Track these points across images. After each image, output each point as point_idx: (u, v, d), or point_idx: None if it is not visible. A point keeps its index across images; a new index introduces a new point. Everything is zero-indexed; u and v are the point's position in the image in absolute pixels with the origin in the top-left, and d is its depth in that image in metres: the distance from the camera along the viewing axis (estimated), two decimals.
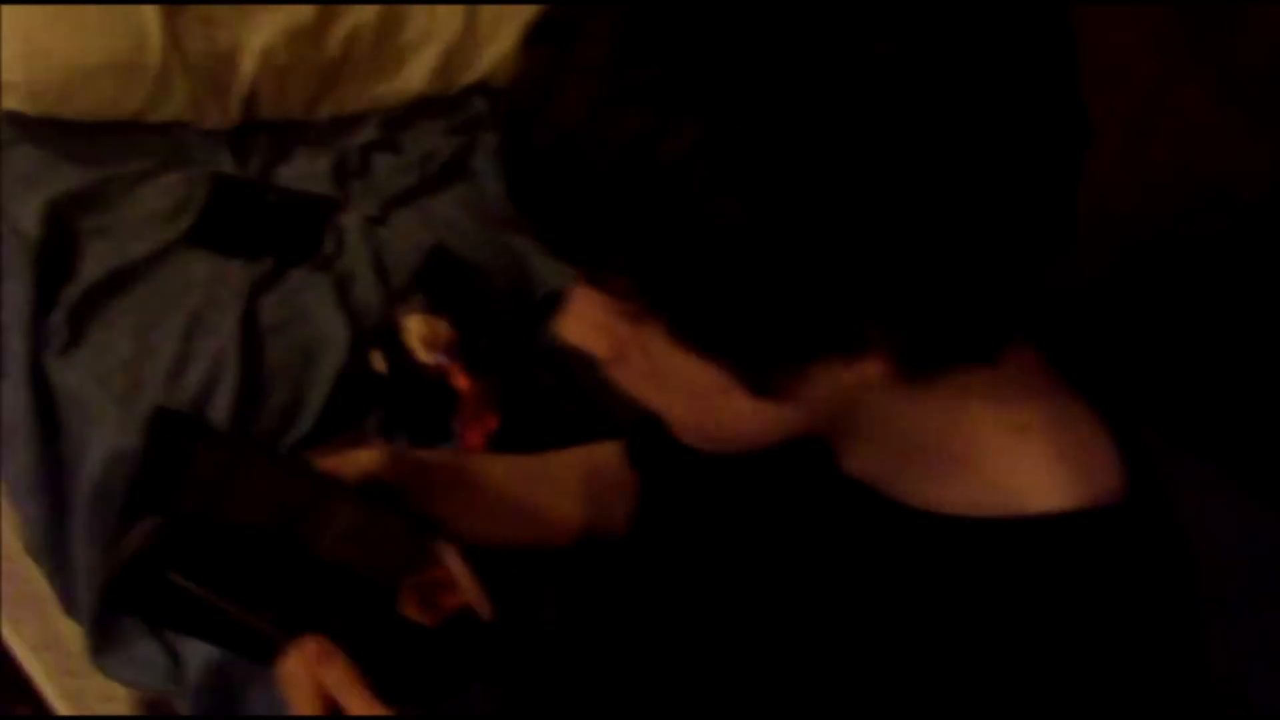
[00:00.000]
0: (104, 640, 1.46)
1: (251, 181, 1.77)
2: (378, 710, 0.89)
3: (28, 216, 1.59)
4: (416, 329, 1.54)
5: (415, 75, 1.95)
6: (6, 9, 1.66)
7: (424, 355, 1.53)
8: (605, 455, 1.20)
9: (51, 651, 1.67)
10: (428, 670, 1.18)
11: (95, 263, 1.59)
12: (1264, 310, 1.77)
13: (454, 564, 1.28)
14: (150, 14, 1.72)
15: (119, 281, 1.57)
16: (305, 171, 1.82)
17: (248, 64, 1.79)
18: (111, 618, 1.45)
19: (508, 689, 1.32)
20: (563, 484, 1.21)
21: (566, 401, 1.56)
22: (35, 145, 1.71)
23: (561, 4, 0.69)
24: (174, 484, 0.93)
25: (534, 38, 0.70)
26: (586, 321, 0.78)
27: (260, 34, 1.79)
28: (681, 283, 0.69)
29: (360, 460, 1.04)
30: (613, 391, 1.11)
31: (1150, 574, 0.80)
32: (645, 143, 0.64)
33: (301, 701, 0.90)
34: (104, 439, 1.44)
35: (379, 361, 1.56)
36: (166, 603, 0.92)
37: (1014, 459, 0.81)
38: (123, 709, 1.54)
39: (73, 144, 1.72)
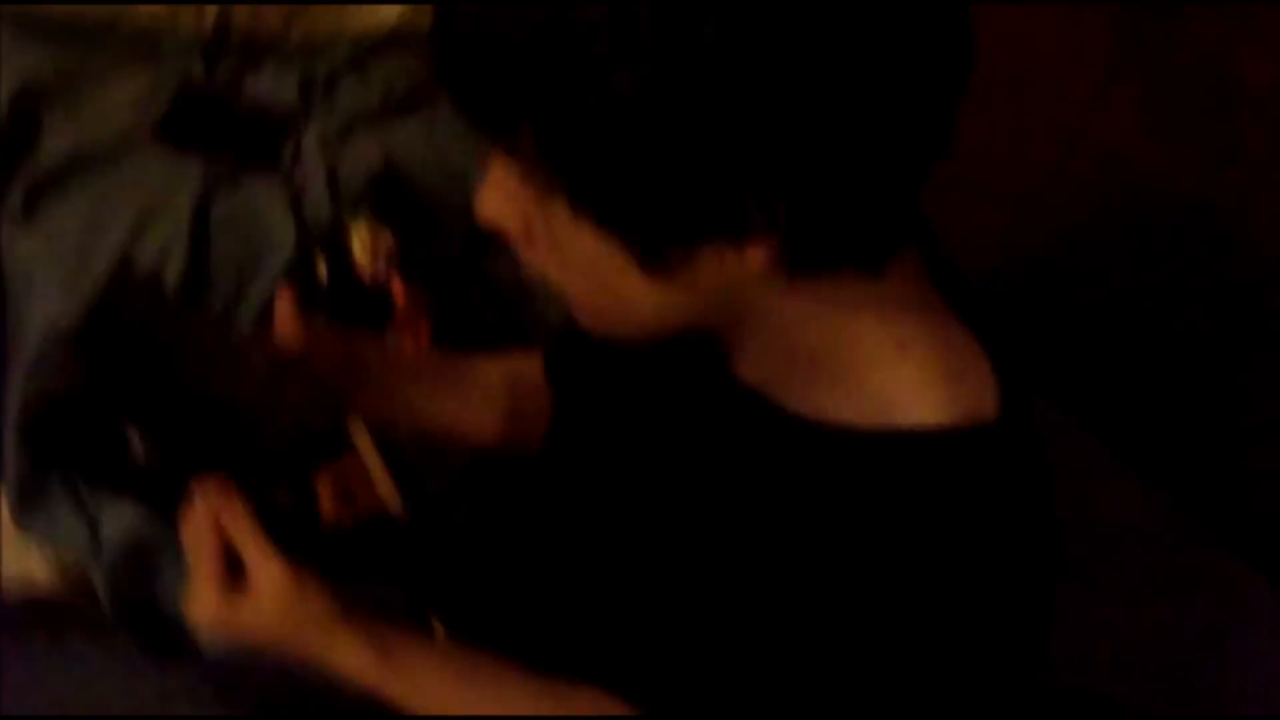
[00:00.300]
0: (27, 502, 1.50)
1: (217, 87, 1.82)
2: (272, 554, 0.93)
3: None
4: (360, 236, 1.58)
5: (391, 8, 1.99)
6: None
7: (365, 262, 1.57)
8: (526, 368, 1.25)
9: None
10: (327, 555, 1.22)
11: (55, 148, 1.63)
12: (1181, 311, 1.82)
13: (364, 446, 1.33)
14: None
15: (78, 165, 1.62)
16: (272, 86, 1.85)
17: None
18: (35, 478, 1.49)
19: (408, 585, 1.36)
20: (482, 386, 1.26)
21: (496, 320, 1.61)
22: (9, 28, 1.74)
23: None
24: (94, 328, 0.97)
25: None
26: (500, 196, 0.83)
27: None
28: (579, 148, 0.74)
29: (292, 338, 1.08)
30: (537, 314, 1.16)
31: (1012, 496, 0.85)
32: (558, 12, 0.70)
33: (198, 544, 0.93)
34: (46, 313, 1.48)
35: (323, 268, 1.61)
36: (75, 437, 0.96)
37: (894, 373, 0.85)
38: (42, 576, 1.57)
39: (48, 33, 1.75)
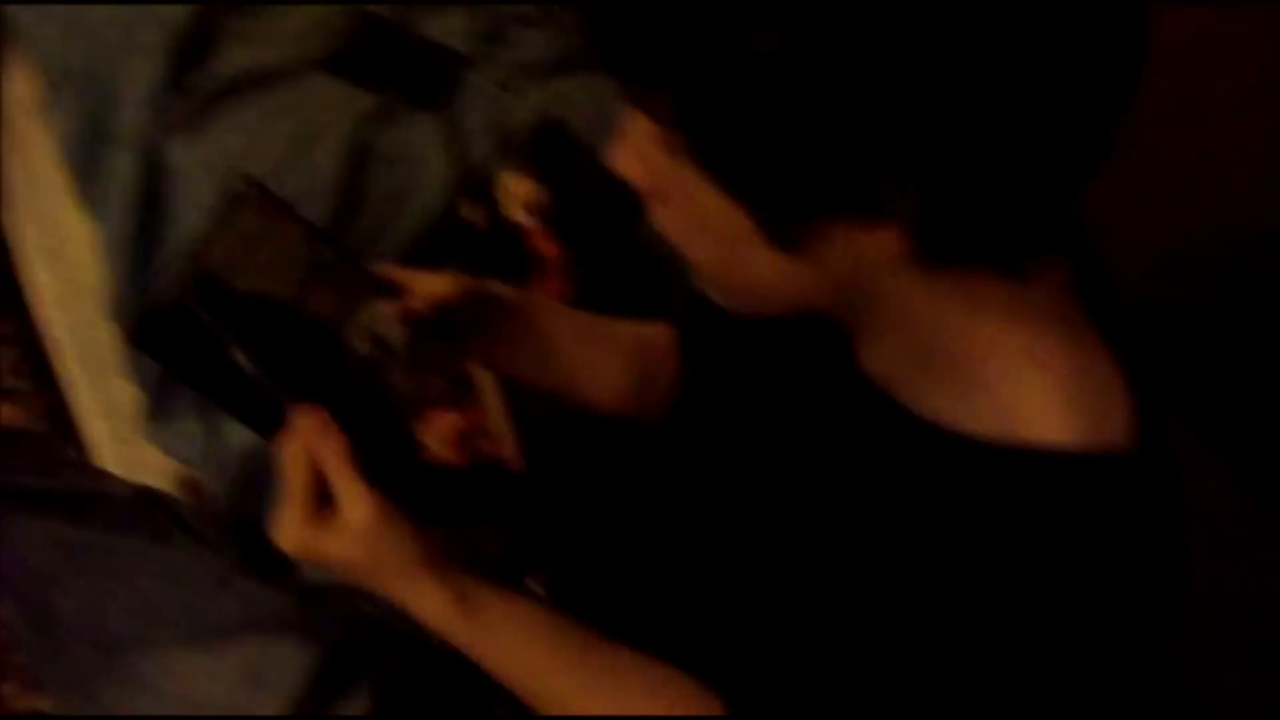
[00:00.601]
0: (156, 410, 1.52)
1: (395, 22, 1.82)
2: (362, 490, 0.92)
3: (179, 6, 1.64)
4: (514, 187, 1.57)
5: None
6: None
7: (515, 213, 1.56)
8: (658, 335, 1.23)
9: (109, 419, 1.74)
10: (427, 498, 1.21)
11: (229, 62, 1.64)
12: None
13: (489, 392, 1.31)
14: None
15: (248, 82, 1.63)
16: (450, 27, 1.84)
17: None
18: (165, 390, 1.51)
19: (513, 537, 1.35)
20: (615, 348, 1.24)
21: (638, 286, 1.58)
22: None
23: None
24: (213, 239, 0.97)
25: None
26: (633, 152, 0.81)
27: None
28: (713, 109, 0.72)
29: (433, 282, 1.07)
30: (680, 283, 1.14)
31: (1133, 529, 0.80)
32: None
33: (292, 471, 0.94)
34: (192, 219, 1.50)
35: (469, 211, 1.60)
36: (185, 349, 0.96)
37: (1024, 386, 0.81)
38: (165, 484, 1.60)
39: None
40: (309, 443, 0.93)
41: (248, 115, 1.59)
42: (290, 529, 0.93)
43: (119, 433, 1.69)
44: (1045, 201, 0.76)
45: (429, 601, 0.96)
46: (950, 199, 0.72)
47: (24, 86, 1.87)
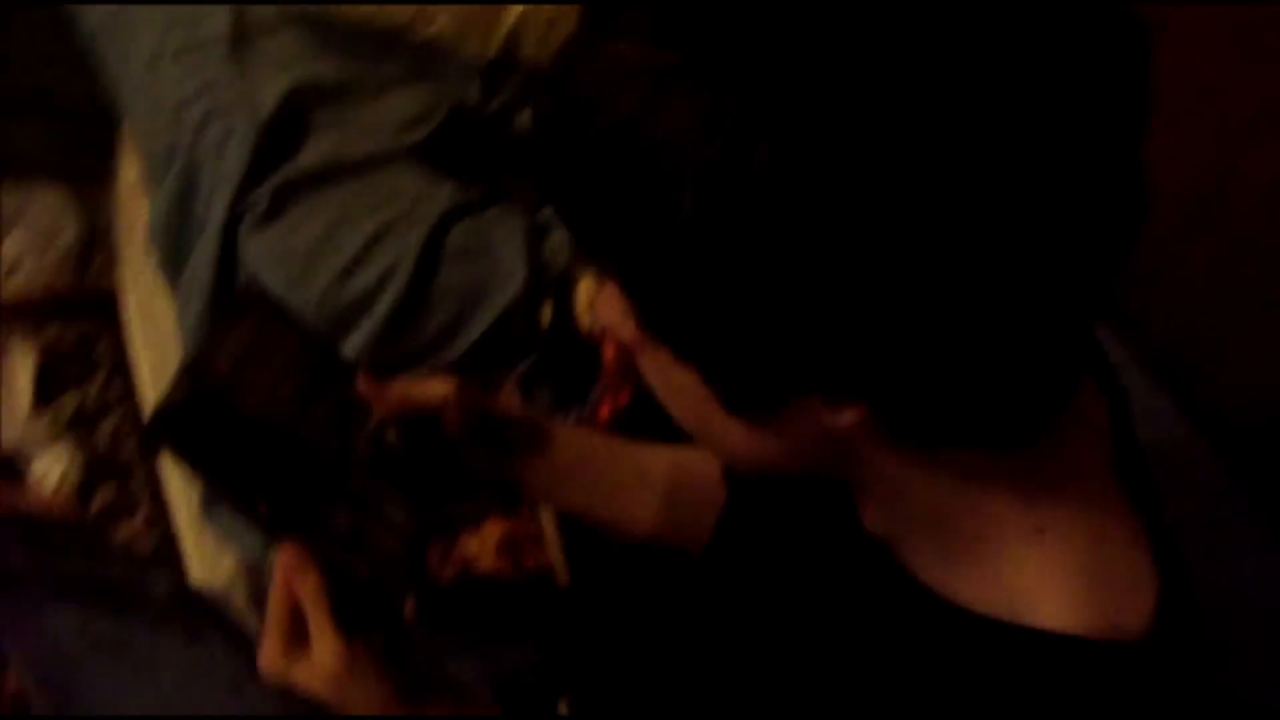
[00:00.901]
0: (210, 498, 1.54)
1: (490, 115, 1.82)
2: (330, 633, 0.94)
3: (270, 95, 1.66)
4: (586, 289, 1.56)
5: None
6: None
7: (585, 317, 1.55)
8: (701, 464, 1.19)
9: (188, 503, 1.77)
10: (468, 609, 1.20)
11: (316, 152, 1.65)
12: None
13: (545, 510, 1.31)
14: None
15: (332, 174, 1.63)
16: None
17: (517, 5, 1.83)
18: None
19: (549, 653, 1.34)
20: (646, 476, 1.22)
21: None
22: (302, 33, 1.79)
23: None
24: (211, 355, 0.99)
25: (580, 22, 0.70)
26: (616, 305, 0.76)
27: None
28: (645, 273, 0.68)
29: (429, 389, 1.07)
30: None
31: None
32: (636, 120, 0.63)
33: (273, 599, 0.96)
34: None
35: (547, 312, 1.59)
36: (194, 450, 0.98)
37: (1026, 563, 0.76)
38: (228, 571, 1.62)
39: (336, 41, 1.79)
40: (287, 577, 0.95)
41: (327, 208, 1.60)
42: (268, 656, 0.96)
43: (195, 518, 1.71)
44: (1029, 377, 0.70)
45: None
46: (903, 384, 0.67)
47: (133, 167, 1.92)
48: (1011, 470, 0.76)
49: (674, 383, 0.75)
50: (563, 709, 1.25)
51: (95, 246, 2.38)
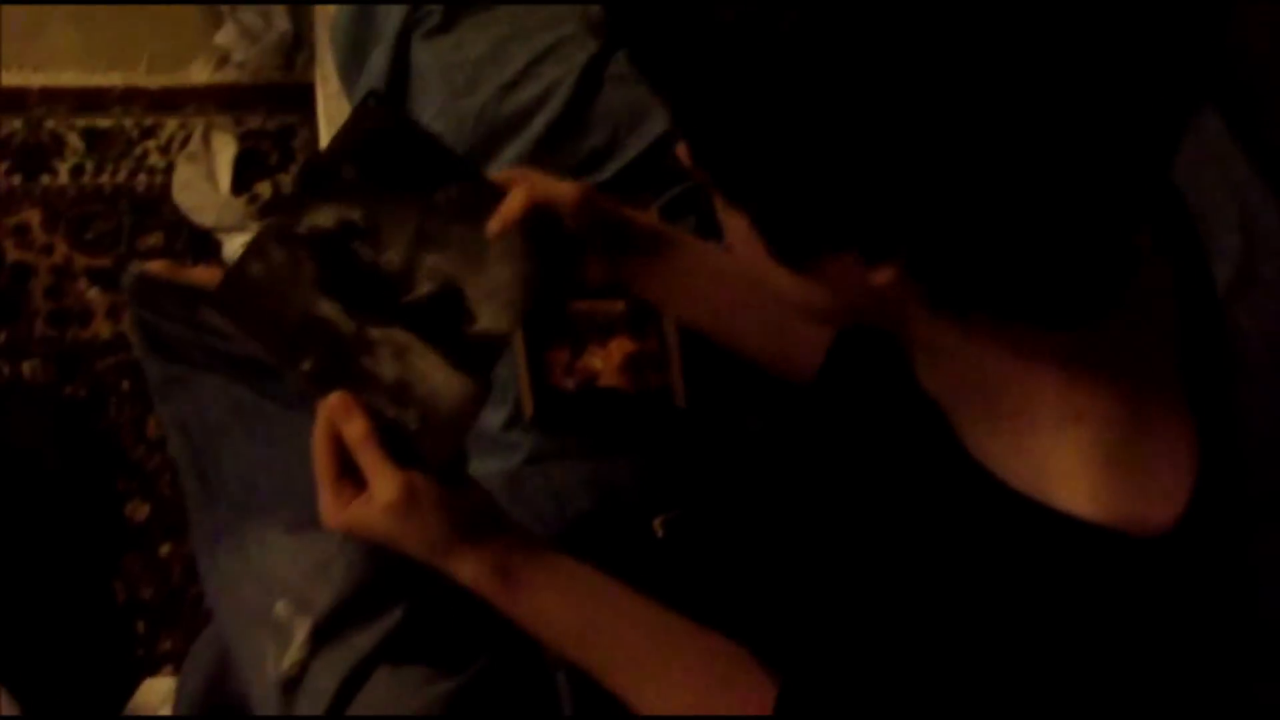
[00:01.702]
0: None
1: None
2: (387, 469, 0.97)
3: None
4: None
5: None
6: None
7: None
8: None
9: None
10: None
11: None
12: None
13: (668, 329, 1.33)
14: None
15: None
16: None
17: None
18: None
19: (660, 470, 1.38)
20: (756, 300, 1.21)
21: None
22: None
23: None
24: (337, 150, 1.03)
25: None
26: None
27: None
28: (702, 119, 0.70)
29: (555, 188, 1.10)
30: None
31: (1147, 625, 0.75)
32: None
33: (319, 453, 1.00)
34: (427, 116, 1.58)
35: None
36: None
37: (1062, 445, 0.77)
38: None
39: None
40: (330, 425, 0.98)
41: (497, 24, 1.64)
42: (327, 508, 1.00)
43: None
44: (1077, 255, 0.70)
45: (467, 570, 1.00)
46: (938, 248, 0.68)
47: None
48: (1056, 351, 0.76)
49: (731, 224, 0.78)
50: (658, 529, 1.30)
51: (302, 40, 2.48)
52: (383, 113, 1.10)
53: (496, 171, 1.14)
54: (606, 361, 1.44)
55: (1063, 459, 0.77)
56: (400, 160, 1.09)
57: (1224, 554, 0.80)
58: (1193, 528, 0.76)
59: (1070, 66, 0.60)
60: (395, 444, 0.98)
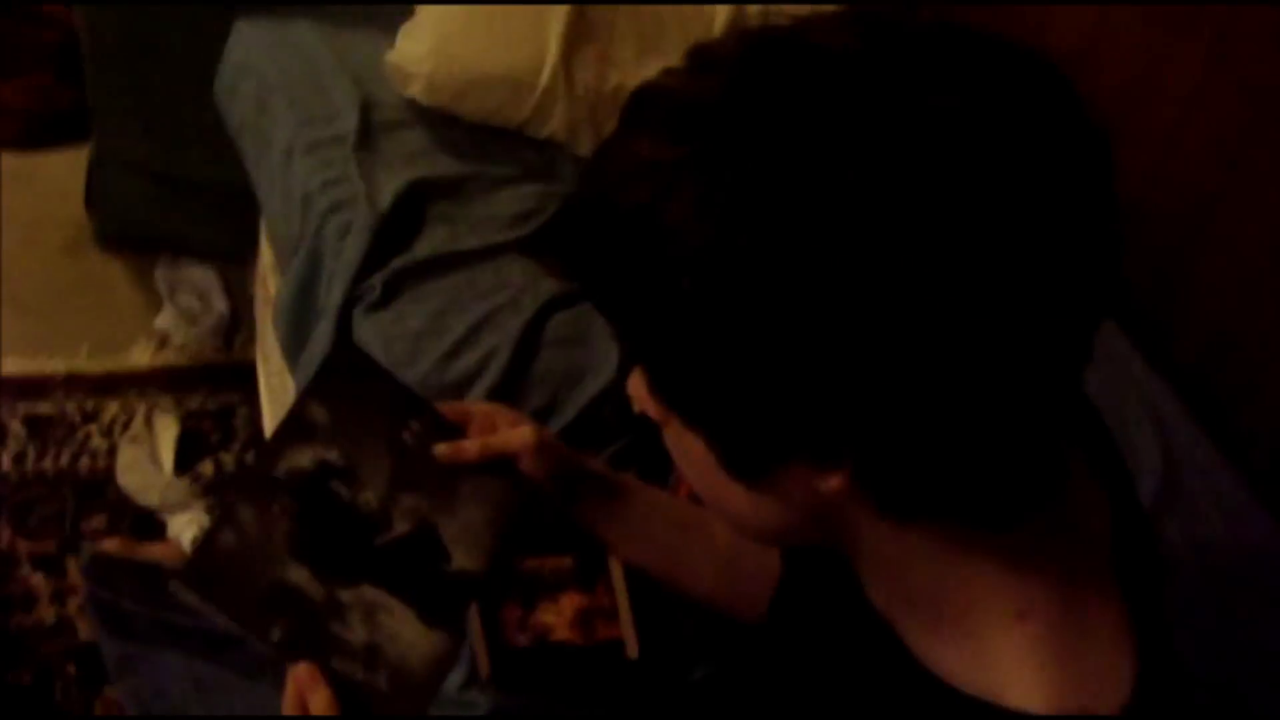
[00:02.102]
0: None
1: None
2: None
3: (390, 190, 1.80)
4: None
5: None
6: (425, 8, 1.89)
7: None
8: None
9: None
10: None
11: (429, 244, 1.78)
12: None
13: (617, 580, 1.37)
14: (553, 41, 1.90)
15: (443, 264, 1.76)
16: None
17: None
18: None
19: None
20: (710, 541, 1.27)
21: None
22: (425, 130, 1.92)
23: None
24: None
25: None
26: (645, 384, 0.84)
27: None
28: (654, 345, 0.76)
29: (511, 436, 1.14)
30: None
31: None
32: (648, 209, 0.71)
33: (286, 712, 1.02)
34: None
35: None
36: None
37: (1007, 645, 0.81)
38: None
39: (456, 137, 1.93)
40: (299, 693, 1.01)
41: (435, 295, 1.71)
42: None
43: None
44: (1008, 455, 0.75)
45: None
46: (884, 453, 0.73)
47: (268, 251, 2.07)
48: (996, 552, 0.81)
49: (686, 450, 0.82)
50: None
51: (240, 321, 2.55)
52: (348, 356, 1.14)
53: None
54: (559, 616, 1.46)
55: (1010, 657, 0.80)
56: (365, 400, 1.13)
57: None
58: (1140, 712, 0.79)
59: (989, 292, 0.67)
60: (362, 710, 1.00)
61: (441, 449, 1.12)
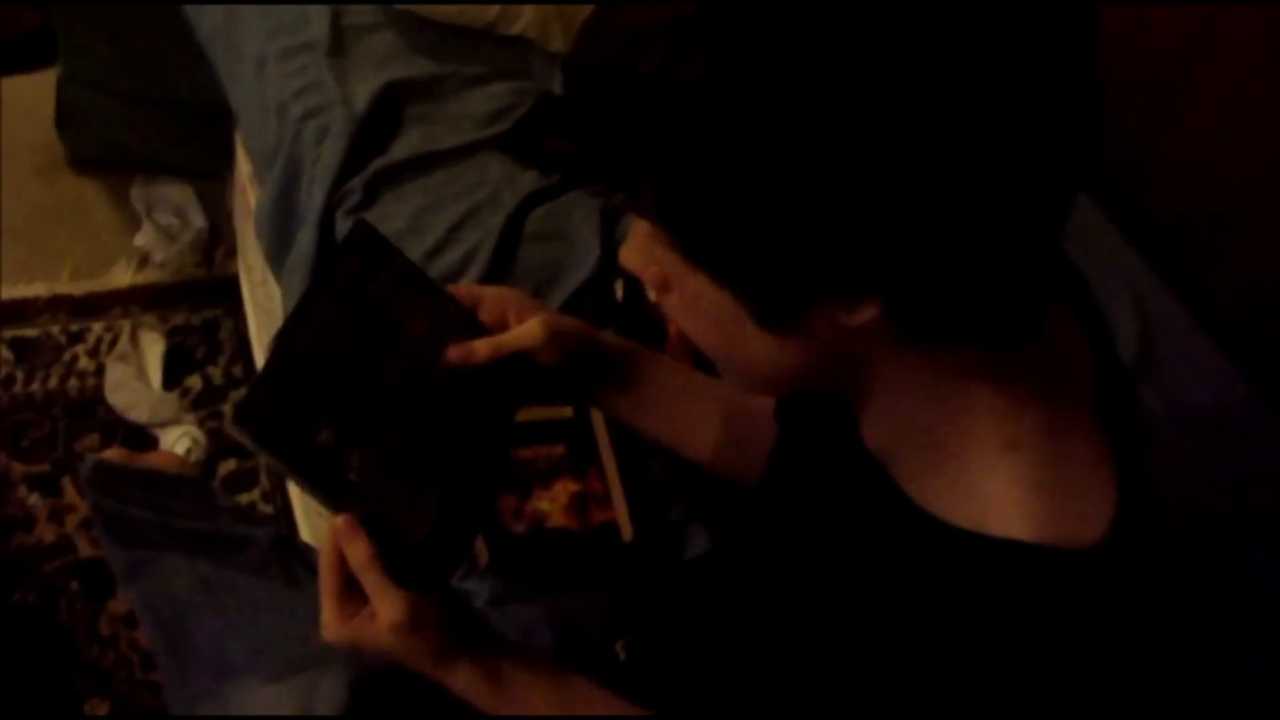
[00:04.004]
0: None
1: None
2: (390, 592, 1.01)
3: (364, 94, 1.81)
4: None
5: None
6: None
7: (651, 292, 1.65)
8: (762, 402, 1.26)
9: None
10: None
11: (406, 145, 1.79)
12: None
13: (610, 469, 1.39)
14: None
15: (421, 164, 1.77)
16: None
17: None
18: None
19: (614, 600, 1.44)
20: (715, 407, 1.30)
21: None
22: (396, 33, 1.92)
23: None
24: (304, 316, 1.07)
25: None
26: (640, 249, 0.87)
27: None
28: (688, 206, 0.77)
29: (522, 334, 1.15)
30: None
31: (1092, 633, 0.82)
32: (664, 70, 0.73)
33: (325, 571, 1.03)
34: None
35: (619, 290, 1.70)
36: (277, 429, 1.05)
37: (995, 475, 0.85)
38: None
39: (427, 39, 1.93)
40: (336, 546, 1.02)
41: (416, 195, 1.72)
42: (329, 625, 1.03)
43: None
44: (1015, 282, 0.80)
45: (461, 680, 1.05)
46: (919, 279, 0.76)
47: (248, 162, 2.07)
48: (994, 386, 0.85)
49: (705, 310, 0.85)
50: (620, 652, 1.34)
51: (219, 236, 2.56)
52: (366, 234, 1.14)
53: None
54: (553, 503, 1.50)
55: (997, 487, 0.84)
56: (382, 281, 1.12)
57: (1150, 563, 0.87)
58: (1120, 540, 0.83)
59: (1000, 125, 0.72)
60: (396, 565, 1.02)
61: (453, 351, 1.11)
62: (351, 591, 1.02)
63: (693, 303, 0.85)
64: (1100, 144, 0.79)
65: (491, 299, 1.18)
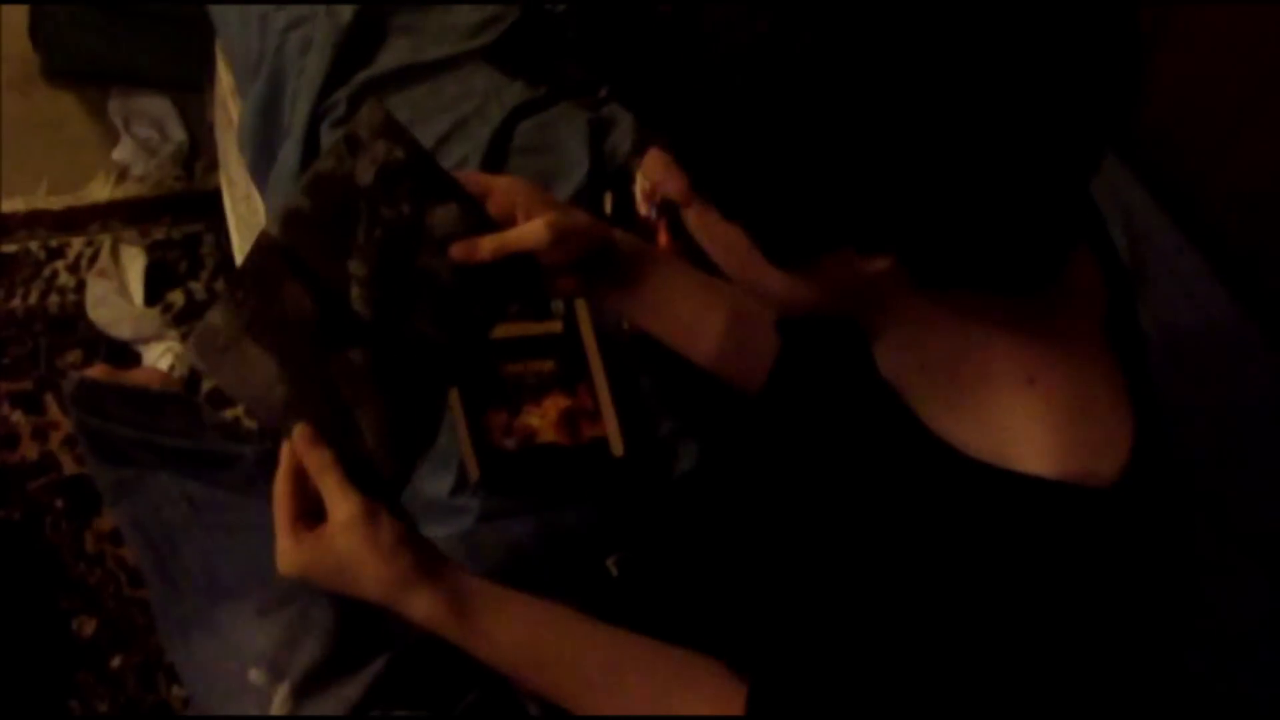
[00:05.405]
0: None
1: (560, 16, 1.90)
2: (347, 491, 1.01)
3: (349, 4, 1.77)
4: (641, 180, 1.64)
5: None
6: None
7: (640, 205, 1.64)
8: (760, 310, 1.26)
9: None
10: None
11: (392, 56, 1.76)
12: None
13: (601, 385, 1.38)
14: None
15: (406, 76, 1.74)
16: None
17: None
18: None
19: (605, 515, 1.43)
20: (719, 307, 1.28)
21: None
22: None
23: None
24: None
25: None
26: (663, 164, 0.85)
27: None
28: (700, 142, 0.77)
29: (526, 233, 1.12)
30: None
31: (1099, 564, 0.82)
32: (684, 12, 0.73)
33: (278, 494, 1.03)
34: None
35: (609, 204, 1.68)
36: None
37: (1016, 409, 0.84)
38: None
39: None
40: (295, 457, 1.02)
41: (402, 107, 1.69)
42: (284, 552, 1.03)
43: None
44: (1035, 229, 0.79)
45: (422, 605, 1.03)
46: (931, 230, 0.75)
47: (229, 75, 2.03)
48: (1012, 322, 0.84)
49: (717, 234, 0.84)
50: (612, 568, 1.34)
51: (199, 149, 2.52)
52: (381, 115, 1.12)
53: None
54: (543, 419, 1.49)
55: (1018, 422, 0.84)
56: (392, 165, 1.12)
57: (1165, 500, 0.87)
58: (1137, 476, 0.83)
59: (1015, 83, 0.71)
60: (357, 477, 1.01)
61: (456, 248, 1.09)
62: (308, 519, 1.02)
63: (710, 228, 0.85)
64: (1137, 101, 0.77)
65: (501, 191, 1.14)
